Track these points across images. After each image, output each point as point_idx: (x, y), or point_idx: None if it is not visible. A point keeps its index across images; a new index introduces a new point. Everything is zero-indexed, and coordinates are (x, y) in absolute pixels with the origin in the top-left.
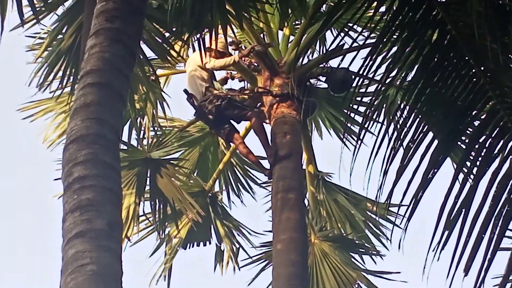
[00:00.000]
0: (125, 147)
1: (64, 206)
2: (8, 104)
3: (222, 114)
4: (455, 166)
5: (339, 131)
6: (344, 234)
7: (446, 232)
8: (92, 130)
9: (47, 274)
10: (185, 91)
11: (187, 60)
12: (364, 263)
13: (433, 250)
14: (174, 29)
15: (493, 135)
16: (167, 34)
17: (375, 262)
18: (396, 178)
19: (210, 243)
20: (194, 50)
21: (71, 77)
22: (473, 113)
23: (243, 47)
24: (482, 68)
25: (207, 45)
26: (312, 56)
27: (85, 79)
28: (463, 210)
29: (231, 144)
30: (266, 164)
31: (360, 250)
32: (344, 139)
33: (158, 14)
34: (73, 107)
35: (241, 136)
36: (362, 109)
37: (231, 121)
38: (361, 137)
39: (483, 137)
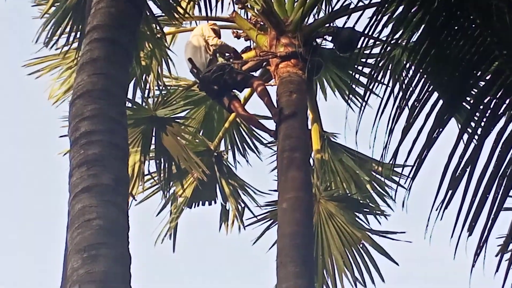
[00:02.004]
0: (130, 105)
1: (70, 161)
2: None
3: (226, 84)
4: (459, 126)
5: (344, 92)
6: (349, 194)
7: (450, 192)
8: (98, 85)
9: (53, 229)
10: (190, 60)
11: (193, 18)
12: (369, 223)
13: (436, 209)
14: None
15: (498, 95)
16: None
17: (379, 223)
18: (402, 137)
19: (215, 202)
20: (200, 8)
21: (78, 33)
22: (479, 73)
23: (248, 6)
24: (488, 28)
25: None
26: (318, 15)
27: (92, 34)
28: (468, 169)
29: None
30: (271, 125)
31: (365, 210)
32: (349, 100)
33: None
34: (80, 62)
35: (241, 104)
36: (367, 70)
37: (234, 90)
38: (366, 98)
39: (489, 97)
